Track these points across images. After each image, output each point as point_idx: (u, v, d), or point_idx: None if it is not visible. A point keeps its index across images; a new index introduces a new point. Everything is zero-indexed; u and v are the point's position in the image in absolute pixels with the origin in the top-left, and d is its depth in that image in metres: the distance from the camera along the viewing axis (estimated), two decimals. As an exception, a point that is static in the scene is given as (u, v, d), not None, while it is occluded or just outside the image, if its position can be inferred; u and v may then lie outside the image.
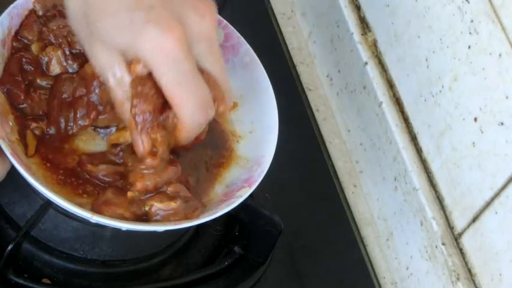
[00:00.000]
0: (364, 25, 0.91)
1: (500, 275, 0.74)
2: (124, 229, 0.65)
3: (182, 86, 0.62)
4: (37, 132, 0.69)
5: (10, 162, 0.65)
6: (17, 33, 0.72)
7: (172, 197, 0.66)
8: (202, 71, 0.64)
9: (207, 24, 0.63)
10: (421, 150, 0.84)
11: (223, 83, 0.65)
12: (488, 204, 0.75)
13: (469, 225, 0.78)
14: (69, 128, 0.69)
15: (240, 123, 0.76)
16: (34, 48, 0.72)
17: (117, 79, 0.63)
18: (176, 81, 0.62)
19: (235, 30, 0.76)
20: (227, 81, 0.66)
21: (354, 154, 0.94)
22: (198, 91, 0.63)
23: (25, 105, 0.69)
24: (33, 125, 0.69)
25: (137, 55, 0.62)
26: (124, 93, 0.64)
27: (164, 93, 0.62)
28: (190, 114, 0.63)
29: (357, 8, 0.92)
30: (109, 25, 0.62)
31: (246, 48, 0.76)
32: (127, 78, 0.63)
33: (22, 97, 0.69)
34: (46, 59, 0.71)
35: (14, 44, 0.71)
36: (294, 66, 0.99)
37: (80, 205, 0.65)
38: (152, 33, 0.61)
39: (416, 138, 0.85)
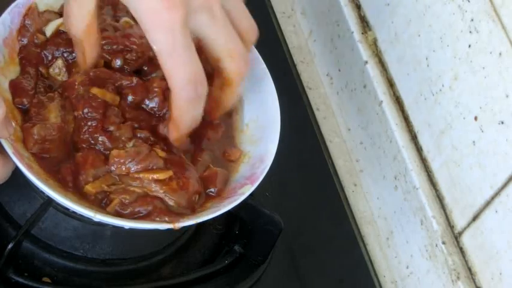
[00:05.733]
0: (364, 24, 0.91)
1: (501, 274, 0.74)
2: (126, 227, 0.64)
3: (173, 58, 0.63)
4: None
5: (14, 163, 0.64)
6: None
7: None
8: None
9: None
10: (421, 149, 0.84)
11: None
12: (488, 203, 0.75)
13: (469, 224, 0.78)
14: None
15: (241, 120, 0.76)
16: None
17: None
18: (168, 51, 0.62)
19: None
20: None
21: (354, 153, 0.94)
22: (188, 65, 0.63)
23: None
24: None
25: (131, 7, 0.62)
26: None
27: (158, 60, 0.63)
28: (179, 87, 0.64)
29: (358, 7, 0.92)
30: None
31: None
32: None
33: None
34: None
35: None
36: (294, 65, 0.98)
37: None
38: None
39: (416, 137, 0.85)
